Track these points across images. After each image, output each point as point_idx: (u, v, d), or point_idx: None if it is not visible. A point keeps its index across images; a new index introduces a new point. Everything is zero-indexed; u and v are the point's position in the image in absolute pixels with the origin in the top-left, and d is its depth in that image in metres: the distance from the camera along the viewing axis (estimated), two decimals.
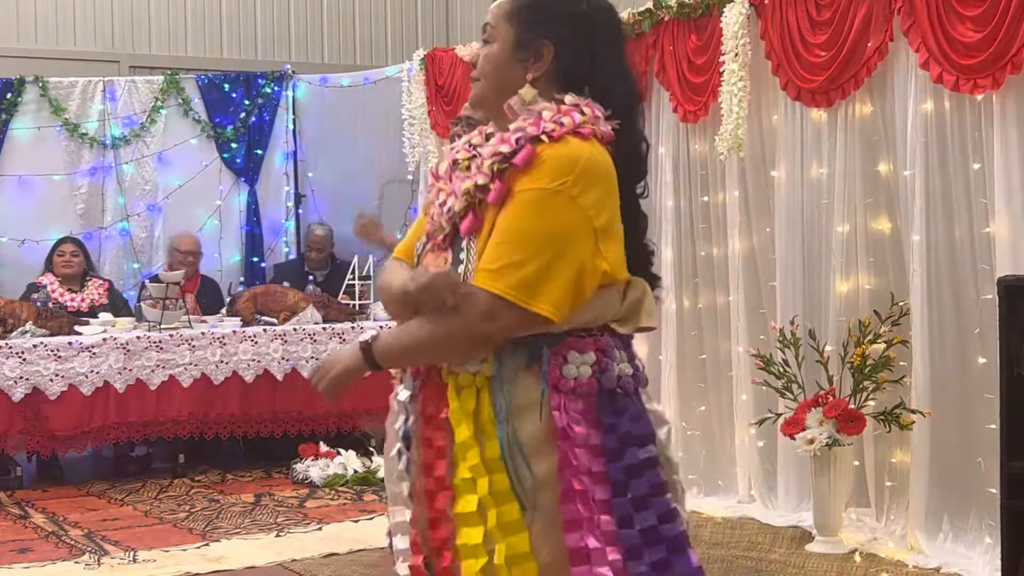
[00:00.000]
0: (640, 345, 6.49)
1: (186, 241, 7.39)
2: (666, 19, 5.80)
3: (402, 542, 2.24)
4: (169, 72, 7.79)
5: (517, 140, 2.07)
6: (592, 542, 2.01)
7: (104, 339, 6.30)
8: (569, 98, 2.11)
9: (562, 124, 2.07)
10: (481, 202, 2.09)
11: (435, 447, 2.12)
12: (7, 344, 6.13)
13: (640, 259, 2.26)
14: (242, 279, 7.83)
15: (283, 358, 6.61)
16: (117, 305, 7.09)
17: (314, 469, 6.41)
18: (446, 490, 2.09)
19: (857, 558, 4.74)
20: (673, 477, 2.16)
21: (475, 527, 2.05)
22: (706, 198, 5.79)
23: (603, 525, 2.02)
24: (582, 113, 2.09)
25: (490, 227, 2.07)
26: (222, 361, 6.51)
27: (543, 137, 2.06)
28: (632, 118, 2.18)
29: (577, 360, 2.07)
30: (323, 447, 6.60)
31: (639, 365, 2.20)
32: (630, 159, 2.16)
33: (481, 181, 2.08)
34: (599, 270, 2.05)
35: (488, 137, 2.18)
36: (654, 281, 2.32)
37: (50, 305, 6.67)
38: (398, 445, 2.24)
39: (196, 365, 6.44)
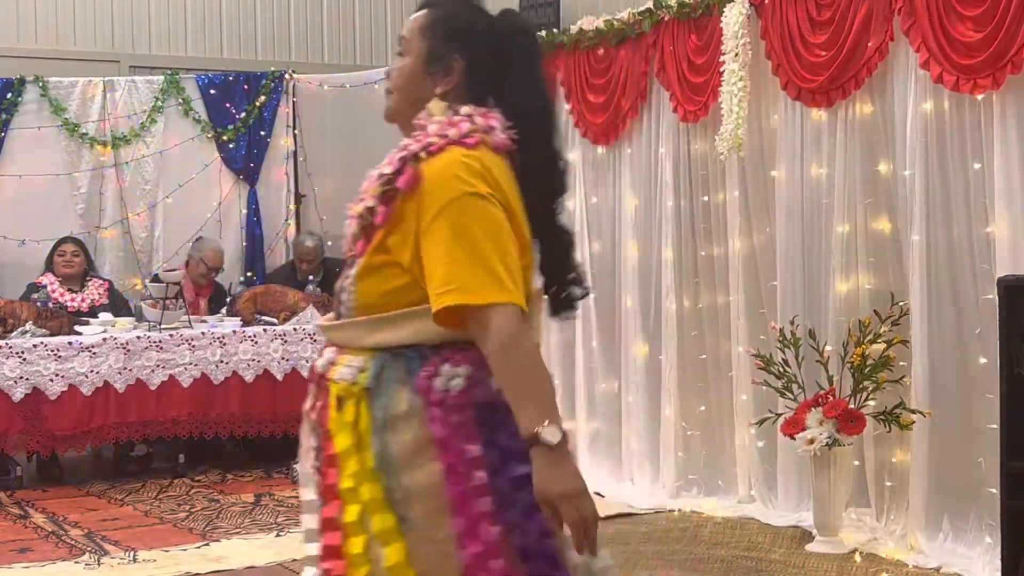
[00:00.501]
0: (640, 345, 6.52)
1: (216, 257, 7.36)
2: (666, 19, 5.80)
3: (312, 549, 2.24)
4: (169, 72, 7.79)
5: (401, 159, 2.09)
6: (478, 552, 2.02)
7: (104, 339, 6.30)
8: (465, 109, 2.13)
9: (445, 136, 2.08)
10: (370, 224, 2.11)
11: (325, 455, 2.14)
12: (7, 344, 6.13)
13: (562, 277, 2.24)
14: (242, 279, 7.82)
15: (283, 358, 6.61)
16: (117, 305, 7.09)
17: None
18: (335, 499, 2.11)
19: (857, 558, 4.74)
20: None
21: (359, 536, 2.07)
22: (706, 198, 5.79)
23: (490, 536, 2.03)
24: (473, 123, 2.10)
25: (374, 248, 2.09)
26: (222, 361, 6.51)
27: (422, 154, 2.07)
28: (544, 134, 2.18)
29: (448, 373, 2.06)
30: None
31: None
32: (542, 174, 2.17)
33: (370, 203, 2.11)
34: (524, 265, 2.08)
35: None
36: (569, 301, 2.26)
37: (50, 305, 6.67)
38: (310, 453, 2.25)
39: (196, 365, 6.44)
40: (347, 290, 2.17)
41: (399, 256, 2.08)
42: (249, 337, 6.58)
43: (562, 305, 2.27)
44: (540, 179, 2.16)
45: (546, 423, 1.98)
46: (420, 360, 2.08)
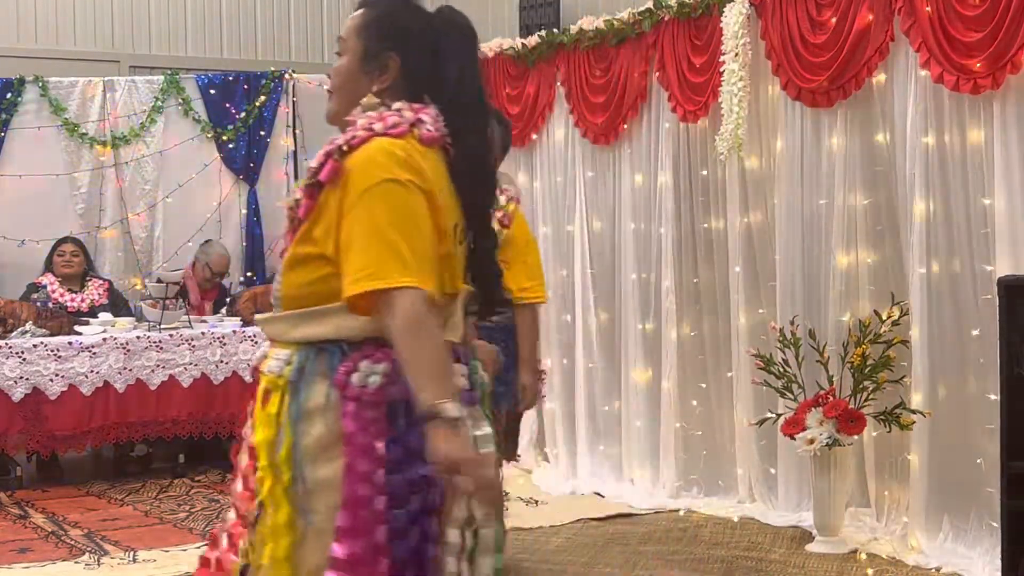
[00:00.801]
0: (640, 344, 6.52)
1: (222, 262, 7.36)
2: (666, 19, 5.80)
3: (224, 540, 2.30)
4: (169, 72, 7.79)
5: (326, 154, 2.12)
6: (360, 551, 2.02)
7: (104, 339, 6.30)
8: (396, 105, 2.16)
9: (371, 129, 2.11)
10: (296, 217, 2.16)
11: (248, 446, 2.20)
12: (7, 344, 6.13)
13: (484, 276, 2.26)
14: (242, 279, 7.82)
15: None
16: (117, 305, 7.09)
17: None
18: (248, 490, 2.17)
19: (857, 558, 4.74)
20: (458, 501, 2.10)
21: (260, 527, 2.12)
22: (705, 198, 5.79)
23: (376, 535, 2.03)
24: (400, 116, 2.13)
25: (299, 240, 2.12)
26: (222, 361, 6.51)
27: (344, 148, 2.10)
28: (477, 128, 2.20)
29: (367, 369, 2.08)
30: None
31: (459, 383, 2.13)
32: (474, 168, 2.19)
33: (298, 196, 2.16)
34: (439, 248, 2.09)
35: None
36: (493, 303, 2.29)
37: (50, 305, 6.67)
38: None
39: (196, 365, 6.44)
40: (275, 282, 2.22)
41: (324, 247, 2.11)
42: (249, 337, 6.57)
43: (490, 303, 2.29)
44: (472, 173, 2.19)
45: (446, 401, 2.00)
46: (341, 355, 2.10)
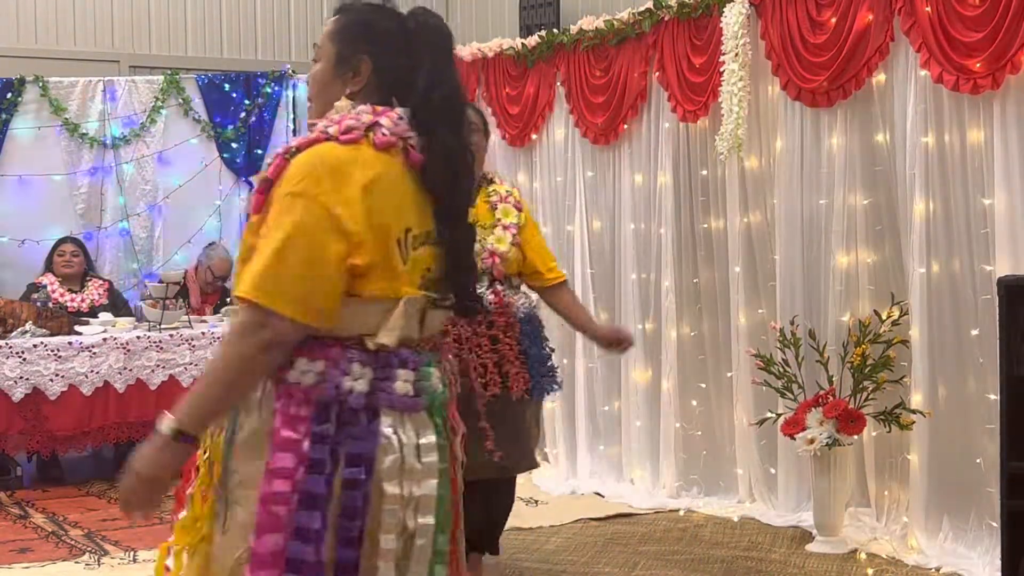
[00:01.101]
0: (639, 344, 6.52)
1: (224, 266, 7.35)
2: (666, 19, 5.81)
3: None
4: (169, 72, 7.79)
5: (281, 152, 2.14)
6: (273, 548, 2.02)
7: (104, 339, 6.30)
8: (360, 107, 2.17)
9: (325, 132, 2.12)
10: (249, 212, 2.19)
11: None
12: (7, 344, 6.13)
13: (457, 274, 2.25)
14: None
15: None
16: (117, 305, 7.08)
17: None
18: (187, 481, 2.22)
19: (857, 558, 4.74)
20: (387, 507, 2.07)
21: (187, 514, 2.19)
22: (705, 198, 5.79)
23: (287, 533, 2.03)
24: (358, 120, 2.13)
25: (250, 233, 2.14)
26: None
27: (295, 148, 2.12)
28: (448, 129, 2.19)
29: (303, 366, 2.08)
30: None
31: (391, 387, 2.11)
32: (446, 169, 2.18)
33: (254, 196, 2.18)
34: (342, 268, 2.05)
35: None
36: (468, 303, 2.29)
37: (50, 305, 6.67)
38: None
39: (196, 365, 6.44)
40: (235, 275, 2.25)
41: None
42: None
43: (468, 305, 2.29)
44: (449, 173, 2.18)
45: (176, 417, 2.06)
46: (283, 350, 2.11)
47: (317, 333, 2.07)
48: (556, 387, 4.36)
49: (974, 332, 4.56)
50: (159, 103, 7.68)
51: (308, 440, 2.05)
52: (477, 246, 4.09)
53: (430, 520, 2.11)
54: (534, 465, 4.38)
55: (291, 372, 2.08)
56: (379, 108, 2.16)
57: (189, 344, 6.44)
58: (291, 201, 2.05)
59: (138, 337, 6.37)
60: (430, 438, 2.13)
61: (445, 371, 2.26)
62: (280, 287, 2.01)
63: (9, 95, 7.35)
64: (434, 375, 2.19)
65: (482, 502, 4.15)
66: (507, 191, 4.32)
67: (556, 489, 6.19)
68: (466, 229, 2.27)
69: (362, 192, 2.06)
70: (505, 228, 4.21)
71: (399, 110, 2.17)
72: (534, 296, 4.38)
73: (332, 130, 2.12)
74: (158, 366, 6.37)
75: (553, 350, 4.43)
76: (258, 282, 2.02)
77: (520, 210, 4.28)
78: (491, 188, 4.30)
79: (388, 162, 2.12)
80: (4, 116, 7.36)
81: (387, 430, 2.08)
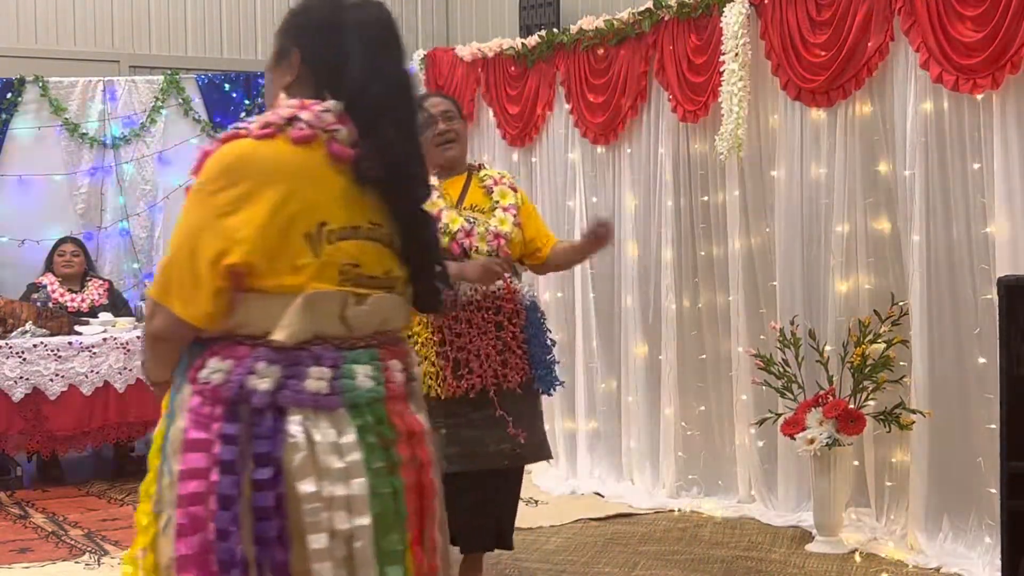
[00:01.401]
0: (640, 345, 6.51)
1: None
2: (666, 19, 5.80)
3: None
4: (169, 72, 7.79)
5: (204, 151, 2.15)
6: (194, 550, 2.02)
7: (104, 339, 6.30)
8: (291, 101, 2.16)
9: (247, 128, 2.12)
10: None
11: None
12: (7, 344, 6.13)
13: (418, 268, 2.23)
14: None
15: None
16: (117, 305, 7.08)
17: None
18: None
19: (857, 558, 4.74)
20: (306, 507, 2.04)
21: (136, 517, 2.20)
22: (706, 198, 5.79)
23: (208, 534, 2.03)
24: (276, 115, 2.12)
25: None
26: None
27: (218, 143, 2.13)
28: (384, 122, 2.15)
29: (213, 366, 2.08)
30: None
31: (300, 385, 2.07)
32: (383, 163, 2.14)
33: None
34: (218, 269, 2.04)
35: None
36: (430, 298, 2.25)
37: (50, 305, 6.67)
38: None
39: None
40: None
41: None
42: None
43: (428, 300, 2.26)
44: (379, 169, 2.13)
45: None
46: (197, 351, 2.12)
47: (227, 332, 2.08)
48: (557, 381, 4.31)
49: (974, 332, 4.56)
50: (159, 103, 7.68)
51: (218, 441, 2.04)
52: (480, 228, 4.11)
53: (364, 521, 2.05)
54: (548, 455, 4.36)
55: (203, 372, 2.08)
56: (307, 102, 2.14)
57: None
58: (189, 198, 2.10)
59: (138, 337, 6.36)
60: (350, 437, 2.07)
61: (391, 369, 2.17)
62: (169, 284, 2.07)
63: (9, 95, 7.35)
64: (360, 372, 2.11)
65: (489, 495, 4.15)
66: (500, 174, 4.32)
67: (556, 489, 6.19)
68: (420, 224, 2.22)
69: (260, 187, 2.05)
70: (505, 210, 4.18)
71: (329, 103, 2.13)
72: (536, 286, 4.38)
73: (253, 126, 2.11)
74: None
75: (554, 343, 4.41)
76: (157, 276, 2.11)
77: (516, 190, 4.27)
78: (483, 173, 4.29)
79: (306, 156, 2.09)
80: (4, 116, 7.36)
81: (295, 428, 2.04)
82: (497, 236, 4.13)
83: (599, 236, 4.06)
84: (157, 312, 2.10)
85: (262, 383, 2.05)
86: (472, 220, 4.14)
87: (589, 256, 4.40)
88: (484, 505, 4.17)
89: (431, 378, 4.03)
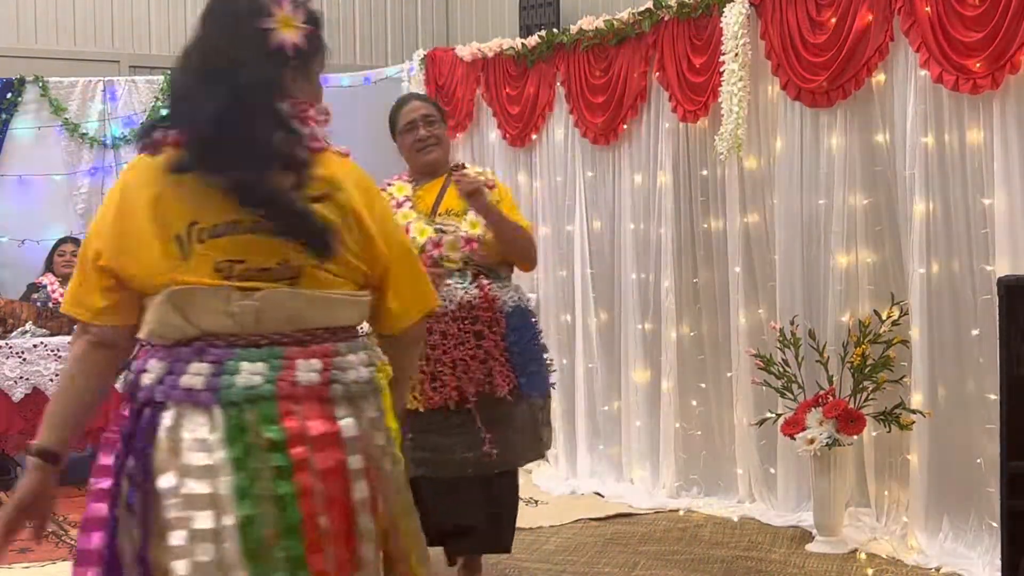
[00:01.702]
0: (638, 344, 6.49)
1: None
2: (666, 19, 5.80)
3: None
4: (169, 72, 7.78)
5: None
6: (90, 546, 2.19)
7: None
8: None
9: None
10: None
11: None
12: (7, 344, 6.13)
13: (310, 234, 2.10)
14: None
15: None
16: None
17: None
18: None
19: (857, 558, 4.74)
20: (165, 502, 2.01)
21: None
22: (705, 198, 5.79)
23: (94, 540, 2.15)
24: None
25: None
26: None
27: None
28: (191, 107, 2.16)
29: (130, 367, 2.14)
30: None
31: (176, 381, 2.05)
32: (199, 158, 2.07)
33: None
34: (96, 267, 2.10)
35: None
36: (317, 243, 2.08)
37: (50, 305, 6.66)
38: None
39: None
40: None
41: None
42: None
43: (316, 248, 2.08)
44: (188, 161, 2.07)
45: (37, 438, 2.21)
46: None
47: (145, 337, 2.12)
48: (547, 384, 4.22)
49: (974, 332, 4.56)
50: (159, 103, 7.67)
51: (122, 443, 2.11)
52: (451, 237, 4.06)
53: (228, 521, 1.98)
54: (533, 458, 4.33)
55: (123, 375, 2.15)
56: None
57: None
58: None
59: None
60: (217, 434, 2.01)
61: (295, 368, 2.05)
62: (71, 294, 2.15)
63: (9, 95, 7.34)
64: (245, 369, 2.03)
65: (480, 499, 4.13)
66: (478, 172, 4.23)
67: (556, 489, 6.19)
68: (278, 204, 2.05)
69: (131, 198, 2.10)
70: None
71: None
72: (527, 292, 4.32)
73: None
74: None
75: (546, 349, 4.35)
76: (72, 296, 2.17)
77: (492, 188, 4.13)
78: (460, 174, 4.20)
79: (160, 164, 2.11)
80: (4, 116, 7.36)
81: (166, 423, 2.03)
82: (469, 241, 4.06)
83: (466, 192, 3.99)
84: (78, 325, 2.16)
85: (146, 379, 2.08)
86: (442, 229, 4.09)
87: (491, 220, 4.05)
88: (468, 507, 4.13)
89: (412, 391, 3.97)
